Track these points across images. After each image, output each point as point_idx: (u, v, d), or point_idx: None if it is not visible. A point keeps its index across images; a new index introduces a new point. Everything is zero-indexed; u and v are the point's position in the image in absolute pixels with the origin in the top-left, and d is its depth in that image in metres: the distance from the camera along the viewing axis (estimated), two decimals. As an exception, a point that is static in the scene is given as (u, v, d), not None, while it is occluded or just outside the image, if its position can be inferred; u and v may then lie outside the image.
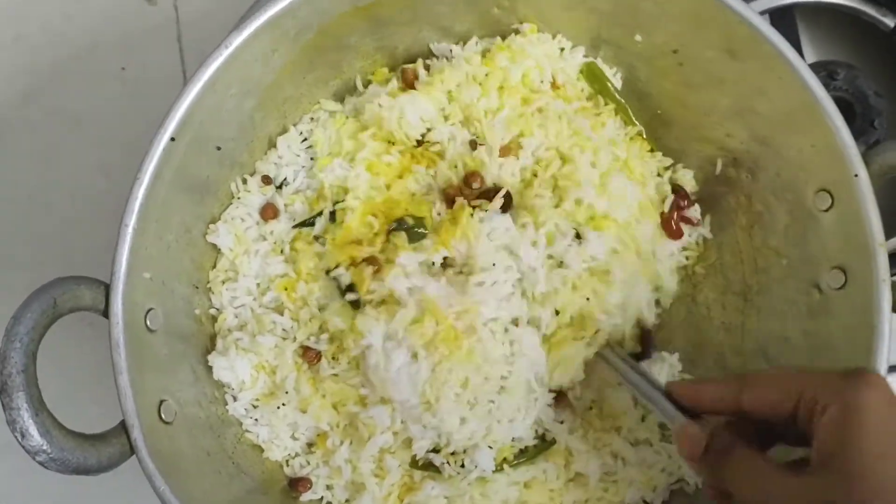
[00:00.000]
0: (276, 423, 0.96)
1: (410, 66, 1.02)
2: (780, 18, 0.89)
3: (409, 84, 1.01)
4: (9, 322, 0.76)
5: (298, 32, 0.91)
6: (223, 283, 0.98)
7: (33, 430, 0.74)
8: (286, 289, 0.97)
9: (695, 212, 1.05)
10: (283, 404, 0.95)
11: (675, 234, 1.03)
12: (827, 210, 0.91)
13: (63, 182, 1.26)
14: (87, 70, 1.31)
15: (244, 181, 1.00)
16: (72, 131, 1.28)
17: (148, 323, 0.86)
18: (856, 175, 0.87)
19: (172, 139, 0.85)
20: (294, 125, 1.03)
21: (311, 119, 1.04)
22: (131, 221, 0.83)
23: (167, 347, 0.90)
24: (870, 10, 1.11)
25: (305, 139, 1.03)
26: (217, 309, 0.98)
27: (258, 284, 0.99)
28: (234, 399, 0.96)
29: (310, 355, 0.95)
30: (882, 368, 0.85)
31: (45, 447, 0.74)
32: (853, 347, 0.88)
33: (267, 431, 0.97)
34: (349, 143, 1.00)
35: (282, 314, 0.97)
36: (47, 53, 1.32)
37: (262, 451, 0.98)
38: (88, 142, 1.28)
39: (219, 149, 0.94)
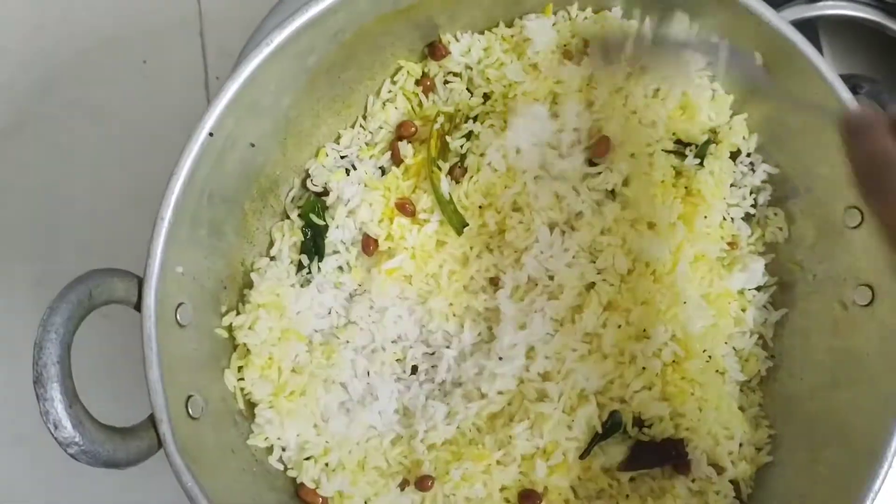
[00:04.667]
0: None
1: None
2: (803, 31, 0.90)
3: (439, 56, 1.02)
4: (45, 312, 0.75)
5: (337, 32, 0.91)
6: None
7: (66, 422, 0.73)
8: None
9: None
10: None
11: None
12: (856, 227, 0.92)
13: (81, 175, 1.25)
14: (108, 62, 1.30)
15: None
16: (91, 124, 1.27)
17: (178, 318, 0.86)
18: (888, 193, 0.87)
19: (210, 134, 0.84)
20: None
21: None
22: (167, 215, 0.82)
23: (195, 343, 0.89)
24: (893, 25, 1.11)
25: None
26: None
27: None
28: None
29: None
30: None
31: (77, 439, 0.74)
32: (881, 365, 0.88)
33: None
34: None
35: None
36: (68, 44, 1.30)
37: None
38: (108, 135, 1.27)
39: (252, 145, 0.93)
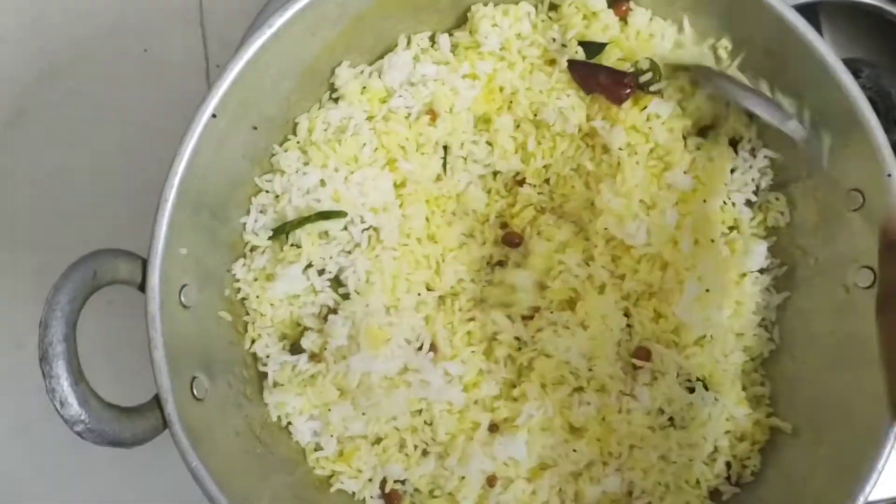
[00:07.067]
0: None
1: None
2: (804, 16, 0.91)
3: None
4: (49, 292, 0.75)
5: (339, 15, 0.91)
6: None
7: (72, 400, 0.73)
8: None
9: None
10: None
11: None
12: (857, 210, 0.91)
13: (82, 163, 1.25)
14: (108, 51, 1.29)
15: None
16: (92, 113, 1.27)
17: (182, 299, 0.86)
18: (889, 175, 0.87)
19: (214, 115, 0.84)
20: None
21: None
22: (171, 196, 0.83)
23: (199, 324, 0.89)
24: (893, 9, 1.11)
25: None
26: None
27: None
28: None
29: None
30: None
31: (83, 417, 0.74)
32: (882, 347, 0.88)
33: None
34: None
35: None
36: (68, 34, 1.30)
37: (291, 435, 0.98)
38: (109, 123, 1.26)
39: (255, 129, 0.93)
